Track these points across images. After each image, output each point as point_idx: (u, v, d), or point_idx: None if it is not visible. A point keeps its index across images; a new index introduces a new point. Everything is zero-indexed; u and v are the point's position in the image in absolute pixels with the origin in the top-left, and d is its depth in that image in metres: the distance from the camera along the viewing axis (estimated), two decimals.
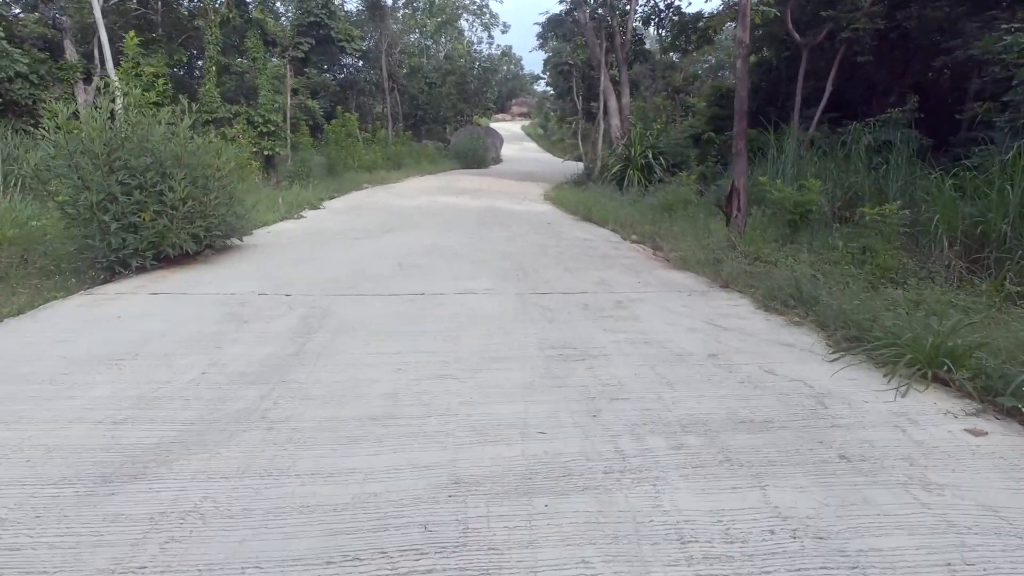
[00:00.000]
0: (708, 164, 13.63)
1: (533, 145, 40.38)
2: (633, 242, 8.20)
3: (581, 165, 19.39)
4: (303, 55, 18.24)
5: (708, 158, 13.98)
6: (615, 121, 16.01)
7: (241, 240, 6.98)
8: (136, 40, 10.16)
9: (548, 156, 33.34)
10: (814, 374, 3.23)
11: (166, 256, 5.56)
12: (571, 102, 38.53)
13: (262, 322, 4.02)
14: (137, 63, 10.13)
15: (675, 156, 14.33)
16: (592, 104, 17.55)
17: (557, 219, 10.39)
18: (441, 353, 3.48)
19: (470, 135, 24.93)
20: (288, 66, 18.53)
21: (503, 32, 65.72)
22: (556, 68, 18.93)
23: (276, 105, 14.68)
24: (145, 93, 8.37)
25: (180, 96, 14.54)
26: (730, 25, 26.29)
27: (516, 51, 48.64)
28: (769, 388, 3.03)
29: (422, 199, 13.24)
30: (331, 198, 13.34)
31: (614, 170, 14.39)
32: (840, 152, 9.91)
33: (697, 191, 10.62)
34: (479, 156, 23.59)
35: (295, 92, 24.19)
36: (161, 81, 7.49)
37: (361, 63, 28.45)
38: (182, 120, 6.10)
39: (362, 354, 3.43)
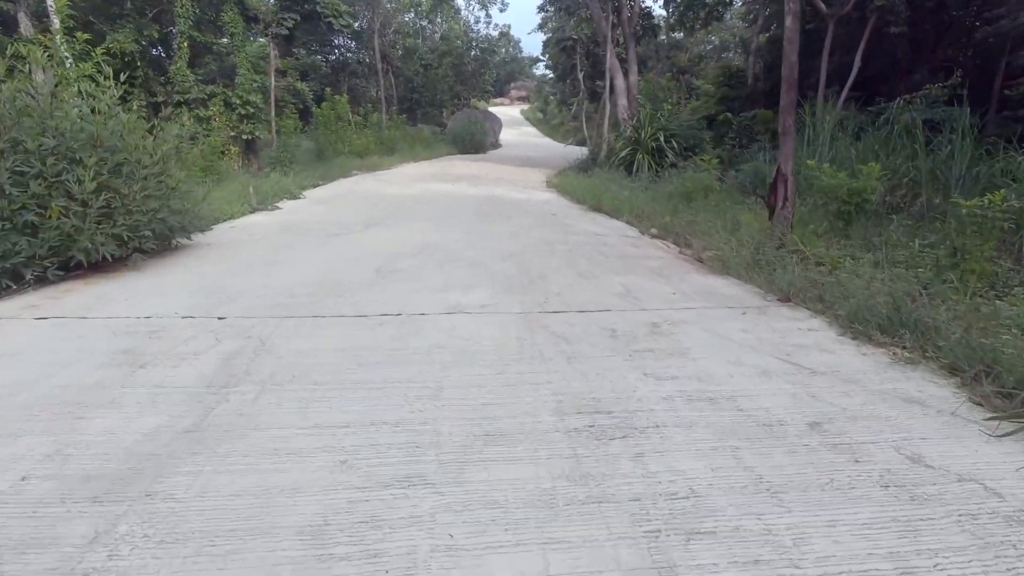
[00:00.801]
0: (725, 147, 12.36)
1: (532, 130, 38.88)
2: (652, 236, 6.99)
3: (585, 150, 18.08)
4: (288, 32, 16.83)
5: (725, 140, 12.70)
6: (622, 101, 14.68)
7: (190, 239, 5.76)
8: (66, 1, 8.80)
9: (548, 140, 31.94)
10: (987, 465, 2.05)
11: (79, 264, 4.35)
12: (572, 84, 36.95)
13: (167, 366, 2.83)
14: (71, 29, 8.78)
15: (688, 139, 13.05)
16: (597, 83, 16.18)
17: (563, 209, 9.15)
18: (411, 425, 2.29)
19: (467, 119, 23.53)
20: (272, 44, 17.14)
21: (501, 11, 63.73)
22: (558, 44, 17.53)
23: (256, 85, 13.33)
24: (80, 65, 7.06)
25: (149, 73, 13.26)
26: (738, 1, 24.77)
27: (515, 33, 46.81)
28: (933, 501, 1.85)
29: (415, 187, 11.97)
30: (315, 186, 12.09)
31: (622, 154, 13.11)
32: (879, 133, 8.68)
33: (718, 177, 9.38)
34: (477, 141, 22.20)
35: (283, 73, 22.79)
36: (100, 51, 6.20)
37: (353, 44, 26.94)
38: (105, 93, 4.84)
39: (292, 430, 2.24)
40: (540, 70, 50.45)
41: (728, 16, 27.03)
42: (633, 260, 5.49)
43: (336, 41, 26.77)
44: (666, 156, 12.65)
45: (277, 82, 22.10)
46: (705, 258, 5.63)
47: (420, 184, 12.38)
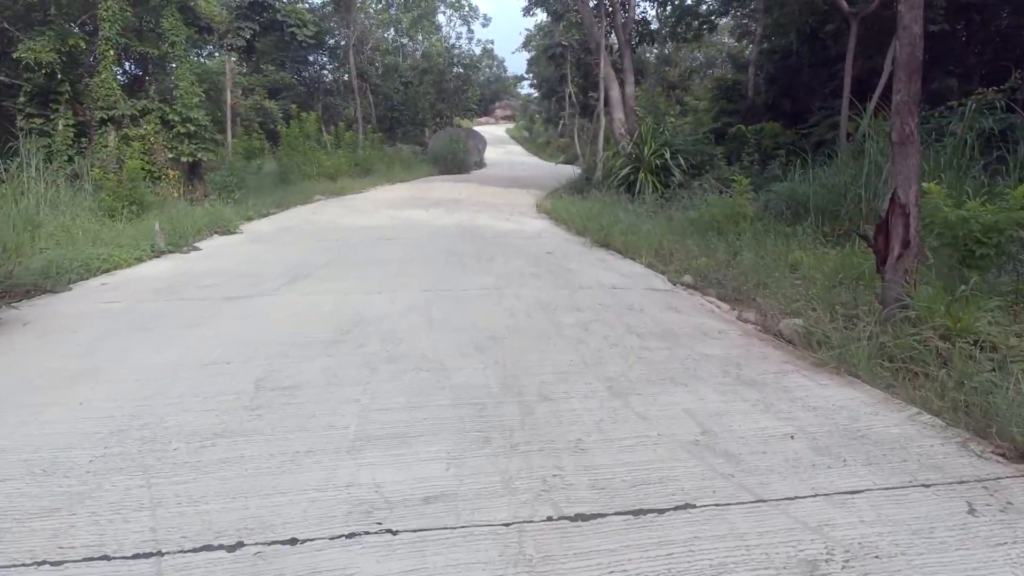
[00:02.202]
0: (742, 164, 10.44)
1: (518, 148, 37.00)
2: (688, 288, 4.94)
3: (577, 169, 16.14)
4: (246, 42, 14.79)
5: (742, 157, 10.77)
6: (618, 115, 12.75)
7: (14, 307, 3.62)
8: None
9: (535, 159, 30.04)
10: None
11: None
12: (558, 102, 35.26)
13: None
14: None
15: (695, 155, 11.13)
16: (590, 95, 14.27)
17: (561, 245, 7.07)
18: None
19: (449, 138, 21.55)
20: (229, 57, 15.09)
21: (484, 26, 62.35)
22: (545, 52, 15.62)
23: (198, 101, 11.20)
24: None
25: (77, 88, 11.11)
26: (725, 21, 23.18)
27: (498, 53, 45.19)
28: None
29: (381, 215, 9.87)
30: (264, 216, 9.97)
31: (622, 173, 11.14)
32: (942, 146, 6.77)
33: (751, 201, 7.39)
34: (459, 160, 20.19)
35: (250, 91, 20.72)
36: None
37: (327, 59, 25.00)
38: None
39: None
40: (525, 89, 48.93)
41: (714, 34, 25.53)
42: (684, 342, 3.41)
43: (311, 58, 24.85)
44: (672, 175, 10.72)
45: (243, 100, 20.07)
46: (788, 332, 3.58)
47: (389, 212, 10.27)
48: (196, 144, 11.18)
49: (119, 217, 7.99)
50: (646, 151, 10.94)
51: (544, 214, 10.23)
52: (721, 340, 3.47)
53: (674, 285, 4.99)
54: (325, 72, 25.66)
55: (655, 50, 20.73)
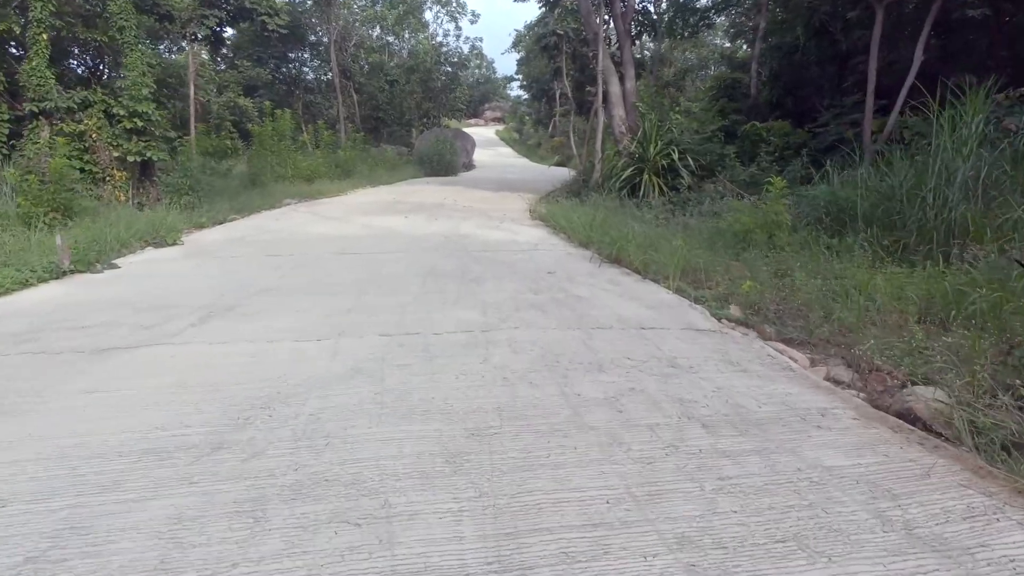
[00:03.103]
0: (760, 165, 9.22)
1: (508, 150, 35.67)
2: (736, 323, 3.67)
3: (571, 171, 14.87)
4: (212, 32, 13.36)
5: (758, 157, 9.54)
6: (618, 111, 11.50)
7: None
8: None
9: (525, 161, 28.74)
10: None
11: None
12: (547, 104, 34.05)
13: None
14: None
15: (704, 156, 9.92)
16: (588, 90, 12.99)
17: (563, 261, 5.77)
18: None
19: (436, 138, 20.18)
20: (191, 47, 13.65)
21: (472, 23, 60.92)
22: (539, 42, 14.33)
23: (148, 92, 9.77)
24: None
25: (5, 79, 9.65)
26: (721, 19, 22.01)
27: (488, 54, 43.87)
28: None
29: (354, 223, 8.52)
30: (221, 223, 8.59)
31: (624, 175, 9.88)
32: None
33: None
34: (446, 162, 18.81)
35: (224, 87, 19.23)
36: None
37: (308, 56, 23.57)
38: None
39: None
40: (515, 91, 47.65)
41: (709, 32, 24.43)
42: (779, 439, 2.12)
43: (292, 55, 23.38)
44: (680, 177, 9.49)
45: (216, 98, 18.57)
46: (925, 413, 2.31)
47: (362, 219, 8.92)
48: (146, 142, 9.75)
49: (35, 226, 6.60)
50: (651, 150, 9.69)
51: (539, 220, 8.94)
52: (834, 432, 2.18)
53: (719, 321, 3.70)
54: (306, 69, 24.22)
55: (651, 46, 19.52)
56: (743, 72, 15.26)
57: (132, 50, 9.83)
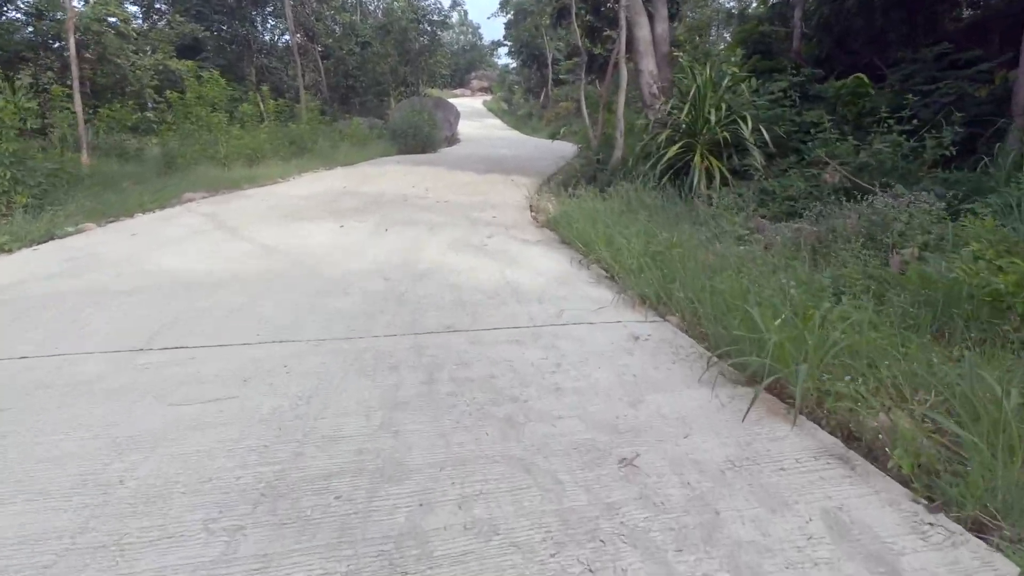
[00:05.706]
0: (881, 134, 5.88)
1: (497, 121, 31.71)
2: None
3: (573, 145, 11.46)
4: None
5: (867, 127, 6.22)
6: (647, 65, 8.09)
7: None
8: None
9: (516, 134, 25.04)
10: None
11: None
12: (539, 71, 30.04)
13: None
14: None
15: (781, 126, 6.60)
16: (607, 35, 9.47)
17: (642, 380, 2.52)
18: None
19: (412, 108, 16.56)
20: None
21: None
22: None
23: None
24: None
25: None
26: None
27: (473, 19, 39.31)
28: None
29: (241, 246, 5.15)
30: (33, 244, 5.20)
31: (668, 154, 6.53)
32: None
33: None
34: (424, 135, 15.23)
35: (153, 47, 15.36)
36: None
37: (266, 13, 19.58)
38: None
39: None
40: (503, 59, 43.27)
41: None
42: None
43: (248, 12, 19.32)
44: (751, 156, 6.19)
45: (139, 59, 14.76)
46: None
47: (269, 232, 5.56)
48: None
49: None
50: (710, 118, 6.36)
51: (549, 231, 5.66)
52: None
53: None
54: (262, 31, 20.24)
55: None
56: (777, 25, 11.68)
57: None
